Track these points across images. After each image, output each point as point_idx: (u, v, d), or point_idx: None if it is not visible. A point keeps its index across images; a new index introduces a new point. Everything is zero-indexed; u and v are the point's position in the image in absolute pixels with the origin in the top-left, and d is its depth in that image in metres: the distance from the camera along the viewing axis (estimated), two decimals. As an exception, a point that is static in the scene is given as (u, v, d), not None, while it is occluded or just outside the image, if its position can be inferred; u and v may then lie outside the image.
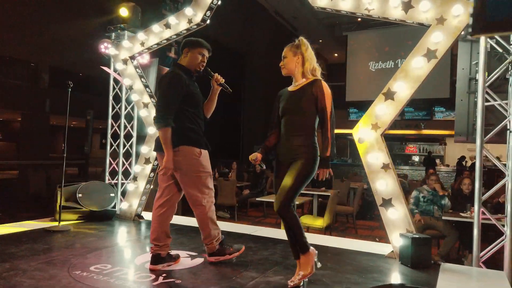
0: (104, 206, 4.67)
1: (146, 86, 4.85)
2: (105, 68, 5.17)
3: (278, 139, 2.78)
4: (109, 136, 5.37)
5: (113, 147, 5.38)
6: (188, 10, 4.43)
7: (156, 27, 4.67)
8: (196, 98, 2.98)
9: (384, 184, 3.40)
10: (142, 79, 4.90)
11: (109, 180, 5.24)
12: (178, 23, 4.55)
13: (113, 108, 5.40)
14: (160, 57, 14.35)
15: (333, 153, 2.57)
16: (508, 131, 3.32)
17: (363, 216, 8.14)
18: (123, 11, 5.17)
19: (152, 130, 4.65)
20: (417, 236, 3.18)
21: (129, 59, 4.95)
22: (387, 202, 3.40)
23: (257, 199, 7.29)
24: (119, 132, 5.31)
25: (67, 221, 4.40)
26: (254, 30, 16.97)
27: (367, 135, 3.48)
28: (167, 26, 4.62)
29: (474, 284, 2.93)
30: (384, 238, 4.23)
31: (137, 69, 4.95)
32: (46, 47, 12.77)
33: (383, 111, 3.43)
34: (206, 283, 2.63)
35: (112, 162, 5.35)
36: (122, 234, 4.20)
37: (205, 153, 2.97)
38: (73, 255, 3.17)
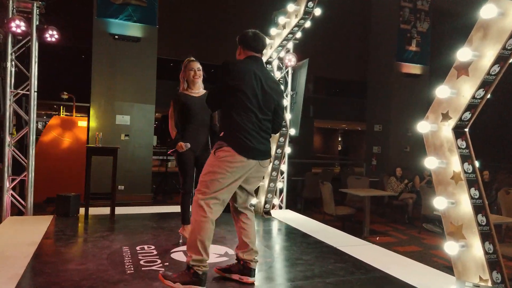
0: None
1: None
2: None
3: None
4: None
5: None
6: (290, 6, 4.32)
7: (273, 30, 4.79)
8: None
9: (451, 202, 2.26)
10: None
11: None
12: (289, 21, 4.49)
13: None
14: (398, 52, 13.62)
15: None
16: None
17: None
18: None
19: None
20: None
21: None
22: (456, 231, 2.24)
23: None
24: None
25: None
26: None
27: (433, 130, 2.41)
28: (283, 26, 4.64)
29: None
30: None
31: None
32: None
33: (454, 94, 2.28)
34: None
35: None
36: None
37: None
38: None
